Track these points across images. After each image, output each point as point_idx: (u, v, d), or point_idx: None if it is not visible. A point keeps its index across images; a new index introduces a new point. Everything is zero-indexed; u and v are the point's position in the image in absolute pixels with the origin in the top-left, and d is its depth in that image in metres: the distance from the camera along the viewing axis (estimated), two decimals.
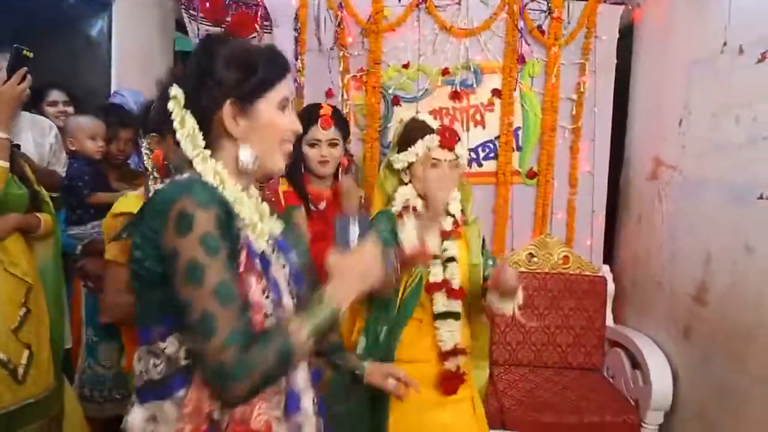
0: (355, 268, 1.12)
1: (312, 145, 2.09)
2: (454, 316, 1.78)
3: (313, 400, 1.19)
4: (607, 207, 3.14)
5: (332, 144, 2.12)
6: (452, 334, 1.77)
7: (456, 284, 1.78)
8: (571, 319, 3.01)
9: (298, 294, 1.18)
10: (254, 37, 3.21)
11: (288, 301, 1.13)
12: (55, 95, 2.82)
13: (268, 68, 1.10)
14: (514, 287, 1.65)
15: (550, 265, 3.07)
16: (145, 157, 1.79)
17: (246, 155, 1.10)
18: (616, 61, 3.05)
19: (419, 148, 1.77)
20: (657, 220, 2.77)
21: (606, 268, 3.13)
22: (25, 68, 1.87)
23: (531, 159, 3.12)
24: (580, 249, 3.11)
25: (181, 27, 3.51)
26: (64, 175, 2.62)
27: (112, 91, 3.10)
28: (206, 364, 0.97)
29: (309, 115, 2.12)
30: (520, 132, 3.11)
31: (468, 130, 3.10)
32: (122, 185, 2.56)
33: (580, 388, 2.78)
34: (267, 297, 1.08)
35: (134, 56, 3.17)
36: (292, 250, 1.23)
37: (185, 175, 1.08)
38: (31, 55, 1.89)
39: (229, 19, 3.23)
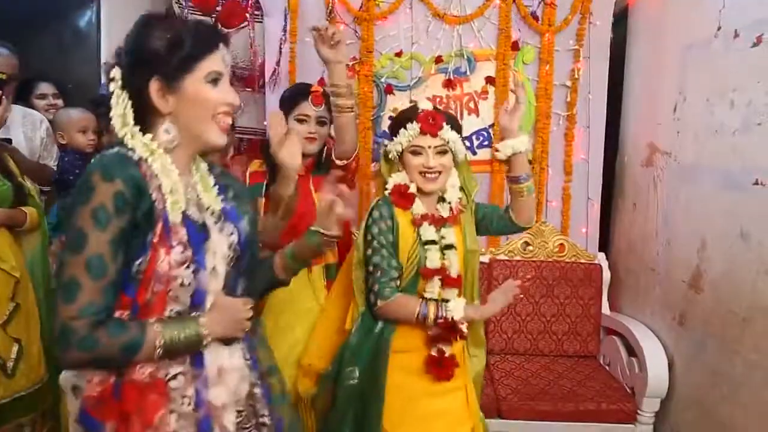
0: (230, 314, 1.20)
1: (300, 121, 2.05)
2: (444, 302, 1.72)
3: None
4: (602, 194, 3.13)
5: (321, 122, 2.09)
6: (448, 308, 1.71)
7: (453, 273, 1.73)
8: (567, 307, 3.00)
9: (241, 261, 1.25)
10: (245, 26, 3.19)
11: (221, 269, 1.19)
12: (44, 88, 2.80)
13: (193, 44, 1.13)
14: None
15: (545, 254, 3.06)
16: None
17: (163, 133, 1.15)
18: (610, 47, 3.02)
19: (402, 137, 1.74)
20: (652, 206, 2.75)
21: (602, 255, 3.12)
22: (0, 92, 1.85)
23: None
24: (576, 237, 3.10)
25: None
26: (55, 168, 2.60)
27: (102, 82, 3.07)
28: (57, 322, 1.04)
29: (298, 92, 2.10)
30: None
31: (462, 118, 3.07)
32: None
33: (576, 376, 2.78)
34: (187, 267, 1.13)
35: None
36: (243, 217, 1.28)
37: (114, 149, 1.13)
38: (4, 77, 1.88)
39: (219, 8, 3.20)
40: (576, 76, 3.01)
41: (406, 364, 1.74)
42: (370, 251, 1.73)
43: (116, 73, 1.12)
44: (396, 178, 1.79)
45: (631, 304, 2.98)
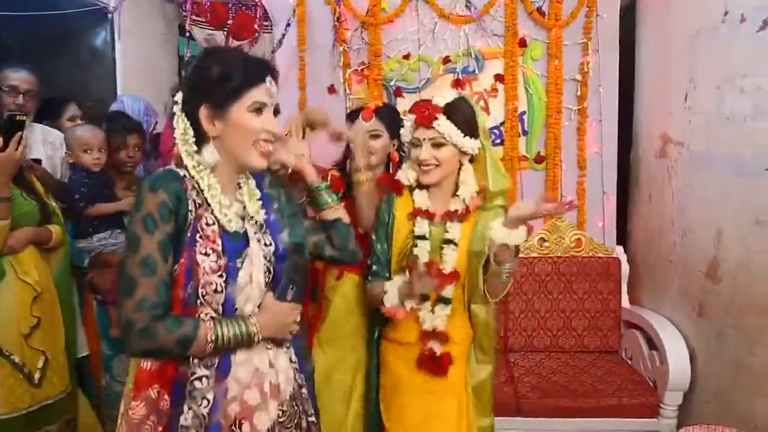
0: (279, 317, 1.31)
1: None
2: (443, 300, 1.72)
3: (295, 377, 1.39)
4: (619, 187, 3.10)
5: (373, 136, 2.12)
6: (433, 316, 1.72)
7: (447, 268, 1.70)
8: (587, 302, 2.98)
9: (276, 271, 1.34)
10: (255, 38, 3.24)
11: (259, 277, 1.28)
12: (74, 110, 2.83)
13: (241, 77, 1.25)
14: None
15: (562, 249, 3.04)
16: None
17: (207, 154, 1.27)
18: (619, 38, 3.00)
19: (405, 128, 1.76)
20: (667, 197, 2.72)
21: (620, 249, 3.08)
22: (20, 133, 1.90)
23: (538, 143, 3.09)
24: (593, 231, 3.08)
25: (185, 32, 3.56)
26: None
27: (117, 98, 3.14)
28: (122, 315, 1.19)
29: (355, 111, 2.21)
30: (525, 116, 3.08)
31: None
32: (128, 194, 2.49)
33: (597, 372, 2.75)
34: (220, 275, 1.24)
35: (139, 64, 3.22)
36: (284, 230, 1.38)
37: (165, 168, 1.30)
38: (24, 118, 1.94)
39: (230, 21, 3.26)
40: (585, 69, 2.99)
41: (402, 354, 1.76)
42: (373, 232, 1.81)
43: (179, 96, 1.27)
44: (405, 168, 1.82)
45: (650, 296, 2.94)
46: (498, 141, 3.10)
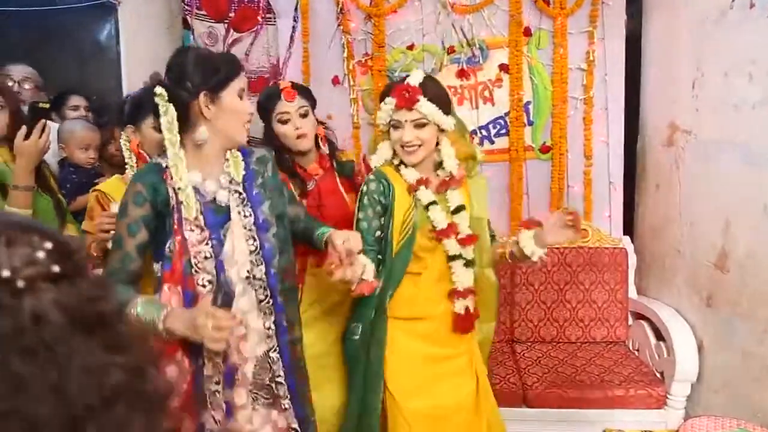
0: (187, 320, 1.32)
1: (283, 122, 2.00)
2: (467, 262, 1.82)
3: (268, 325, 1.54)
4: (624, 177, 3.06)
5: (303, 114, 2.03)
6: (466, 275, 1.82)
7: (465, 231, 1.81)
8: (593, 293, 2.96)
9: (261, 238, 1.52)
10: (257, 29, 3.22)
11: (241, 245, 1.48)
12: (77, 100, 2.82)
13: (227, 67, 1.47)
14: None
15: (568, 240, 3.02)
16: (123, 147, 1.89)
17: (200, 133, 1.45)
18: (625, 26, 2.95)
19: (384, 111, 1.78)
20: (675, 187, 2.68)
21: (627, 239, 3.05)
22: (44, 120, 1.89)
23: (543, 133, 3.06)
24: (599, 221, 3.05)
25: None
26: None
27: (124, 94, 3.14)
28: None
29: (271, 95, 2.04)
30: (530, 106, 3.05)
31: (477, 107, 3.06)
32: None
33: (604, 363, 2.74)
34: (206, 244, 1.44)
35: (143, 58, 3.20)
36: (265, 202, 1.55)
37: (151, 161, 1.53)
38: (47, 105, 1.94)
39: (231, 14, 3.24)
40: (591, 58, 2.95)
41: (407, 329, 1.81)
42: (359, 212, 1.80)
43: (160, 89, 1.41)
44: (381, 149, 1.85)
45: (658, 287, 2.92)
46: (503, 132, 3.07)
